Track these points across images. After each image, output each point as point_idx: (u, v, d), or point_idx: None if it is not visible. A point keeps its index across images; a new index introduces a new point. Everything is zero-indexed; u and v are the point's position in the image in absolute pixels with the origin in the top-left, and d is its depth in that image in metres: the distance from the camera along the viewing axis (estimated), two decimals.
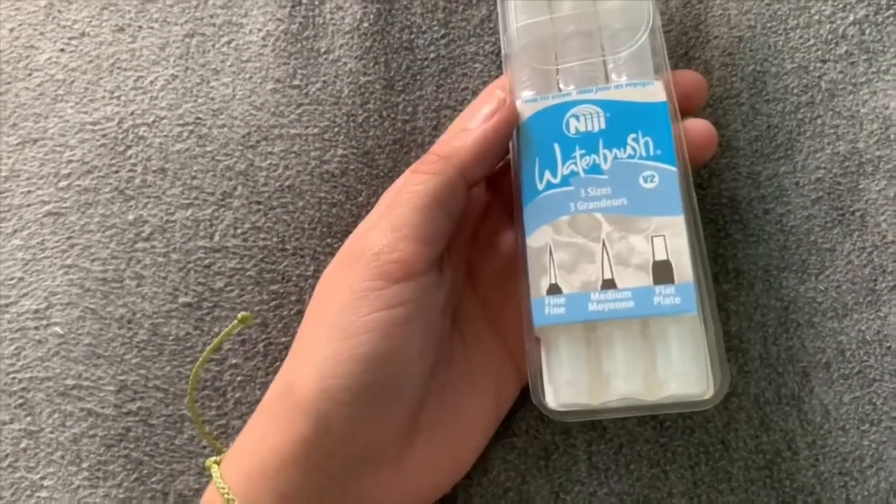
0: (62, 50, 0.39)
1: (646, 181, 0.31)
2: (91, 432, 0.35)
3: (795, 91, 0.37)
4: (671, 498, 0.34)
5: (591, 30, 0.33)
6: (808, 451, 0.34)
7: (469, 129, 0.32)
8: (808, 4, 0.38)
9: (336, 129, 0.38)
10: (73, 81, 0.39)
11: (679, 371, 0.30)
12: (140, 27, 0.39)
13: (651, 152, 0.31)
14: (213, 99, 0.38)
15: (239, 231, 0.37)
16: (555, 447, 0.35)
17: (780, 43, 0.38)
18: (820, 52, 0.38)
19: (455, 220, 0.32)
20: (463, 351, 0.33)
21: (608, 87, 0.32)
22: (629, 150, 0.31)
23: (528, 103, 0.33)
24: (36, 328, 0.36)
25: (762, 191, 0.36)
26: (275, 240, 0.37)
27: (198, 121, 0.38)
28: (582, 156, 0.31)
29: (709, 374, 0.30)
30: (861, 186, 0.36)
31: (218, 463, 0.32)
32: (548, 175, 0.32)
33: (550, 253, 0.31)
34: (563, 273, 0.31)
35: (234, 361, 0.36)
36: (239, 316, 0.32)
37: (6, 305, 0.37)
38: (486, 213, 0.36)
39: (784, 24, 0.38)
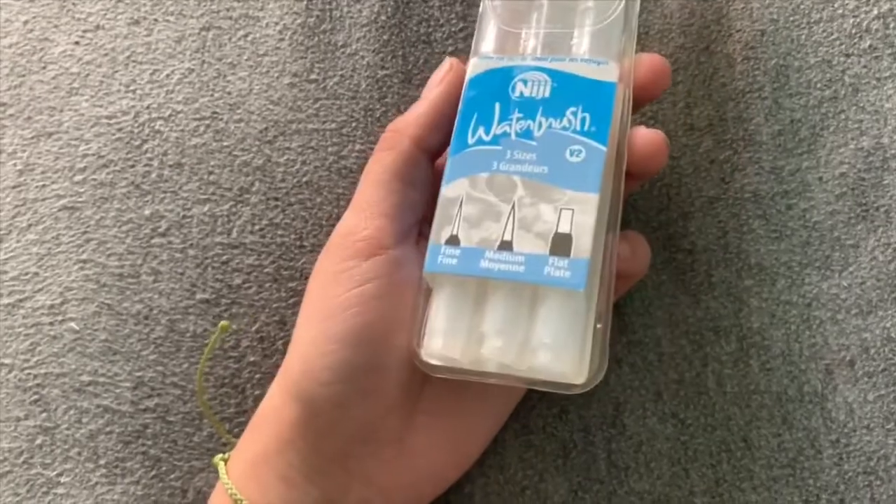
0: (77, 43, 0.39)
1: (572, 154, 0.31)
2: (108, 429, 0.35)
3: (819, 85, 0.37)
4: (692, 497, 0.34)
5: (567, 1, 0.33)
6: (832, 450, 0.33)
7: (421, 98, 0.33)
8: None
9: (354, 124, 0.38)
10: (88, 75, 0.38)
11: (552, 344, 0.29)
12: (156, 20, 0.39)
13: (585, 128, 0.31)
14: (229, 93, 0.38)
15: (256, 227, 0.37)
16: (573, 445, 0.35)
17: (804, 37, 0.37)
18: (844, 47, 0.37)
19: (422, 190, 0.33)
20: None
21: (563, 59, 0.32)
22: (565, 122, 0.31)
23: (482, 60, 0.33)
24: (51, 324, 0.36)
25: (785, 186, 0.36)
26: (293, 236, 0.37)
27: (214, 115, 0.38)
28: (518, 119, 0.31)
29: (584, 358, 0.29)
30: (886, 182, 0.36)
31: (225, 460, 0.32)
32: (481, 131, 0.32)
33: (461, 205, 0.31)
34: (466, 226, 0.30)
35: (252, 359, 0.36)
36: (219, 325, 0.32)
37: (21, 300, 0.36)
38: None
39: (807, 17, 0.37)
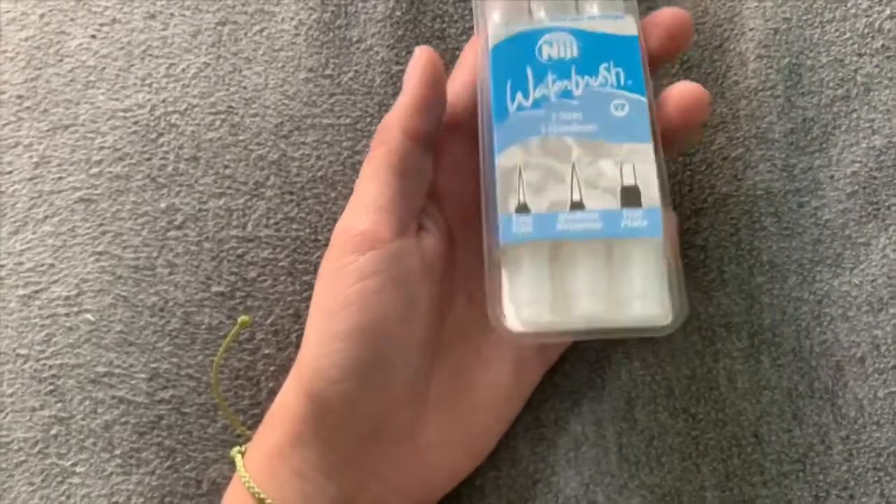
0: (93, 36, 0.39)
1: (616, 109, 0.31)
2: (123, 420, 0.36)
3: (831, 84, 0.37)
4: (703, 491, 0.34)
5: None
6: (842, 446, 0.34)
7: (401, 93, 0.33)
8: None
9: (368, 119, 0.38)
10: (104, 68, 0.39)
11: (640, 293, 0.30)
12: (172, 14, 0.39)
13: (622, 82, 0.32)
14: (245, 88, 0.38)
15: (272, 221, 0.37)
16: (585, 438, 0.35)
17: (816, 36, 0.38)
18: (856, 46, 0.37)
19: (418, 181, 0.33)
20: (477, 327, 0.33)
21: (580, 18, 0.33)
22: (601, 79, 0.32)
23: (501, 27, 0.33)
24: (67, 315, 0.36)
25: (797, 184, 0.36)
26: (307, 230, 0.37)
27: (230, 109, 0.38)
28: (554, 81, 0.32)
29: (668, 300, 0.30)
30: None
31: (242, 453, 0.33)
32: (519, 97, 0.32)
33: (520, 173, 0.31)
34: (532, 193, 0.31)
35: (267, 351, 0.36)
36: (239, 320, 0.33)
37: (37, 292, 0.37)
38: None
39: (820, 17, 0.38)
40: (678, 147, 0.36)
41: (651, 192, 0.30)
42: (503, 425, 0.34)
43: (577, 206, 0.30)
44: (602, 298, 0.30)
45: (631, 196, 0.30)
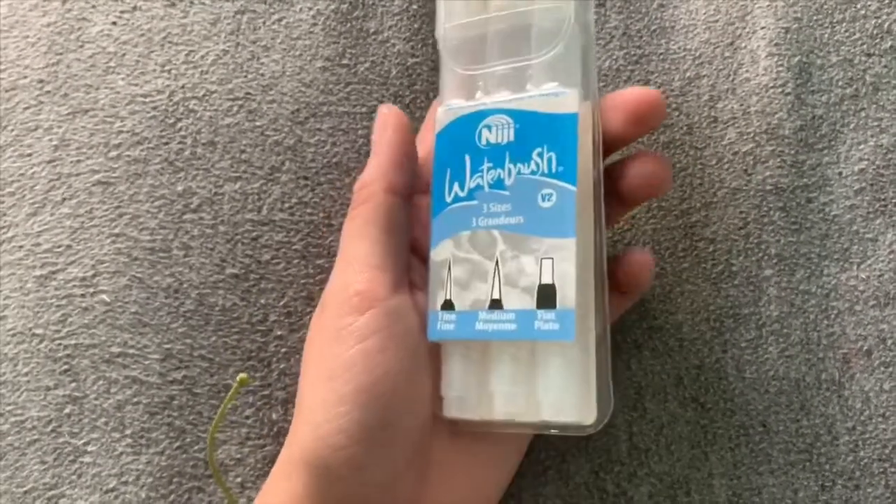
0: (114, 23, 0.40)
1: (543, 200, 0.29)
2: (135, 399, 0.36)
3: (840, 83, 0.38)
4: (711, 479, 0.34)
5: (519, 32, 0.32)
6: (848, 437, 0.34)
7: (373, 151, 0.33)
8: None
9: None
10: (124, 54, 0.39)
11: (554, 398, 0.29)
12: (192, 3, 0.40)
13: (553, 169, 0.29)
14: (262, 75, 0.39)
15: (286, 205, 0.37)
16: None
17: (826, 36, 0.38)
18: (865, 46, 0.38)
19: (403, 236, 0.32)
20: None
21: (522, 96, 0.31)
22: (532, 166, 0.30)
23: (446, 111, 0.32)
24: (82, 296, 0.37)
25: (805, 180, 0.37)
26: (321, 215, 0.37)
27: (248, 96, 0.38)
28: (489, 169, 0.31)
29: (590, 399, 0.29)
30: None
31: None
32: (456, 187, 0.31)
33: (449, 268, 0.31)
34: (458, 289, 0.30)
35: (279, 333, 0.36)
36: (238, 378, 0.31)
37: (53, 273, 0.37)
38: None
39: (830, 17, 0.38)
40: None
41: (568, 291, 0.28)
42: (508, 476, 0.33)
43: (496, 304, 0.30)
44: (521, 399, 0.30)
45: (546, 296, 0.29)
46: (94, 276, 0.37)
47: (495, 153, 0.31)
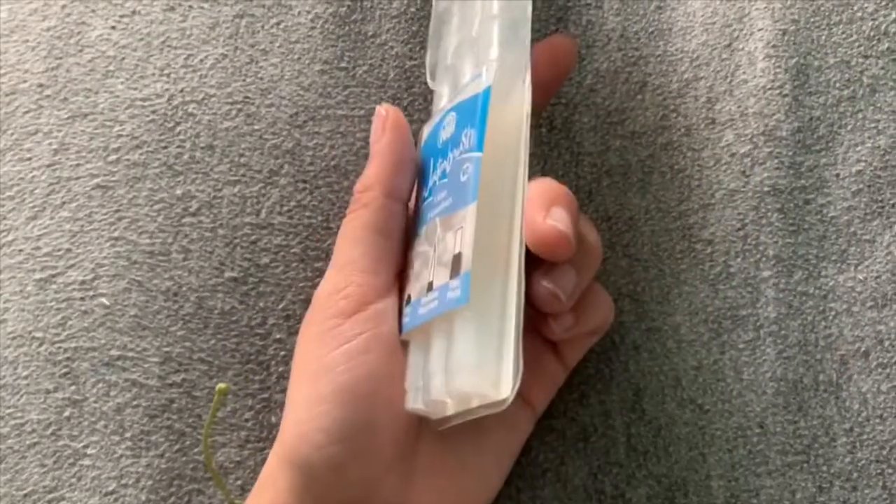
0: (113, 27, 0.40)
1: (463, 174, 0.30)
2: (134, 402, 0.36)
3: (837, 85, 0.38)
4: (709, 480, 0.34)
5: (470, 40, 0.33)
6: (846, 438, 0.34)
7: (372, 154, 0.33)
8: (851, 1, 0.39)
9: None
10: (123, 58, 0.39)
11: (460, 370, 0.28)
12: (190, 7, 0.40)
13: (471, 143, 0.30)
14: (261, 78, 0.39)
15: (285, 209, 0.37)
16: (593, 429, 0.35)
17: (824, 38, 0.38)
18: (862, 48, 0.38)
19: (400, 240, 0.32)
20: None
21: (459, 90, 0.32)
22: (461, 147, 0.30)
23: (425, 127, 0.34)
24: (82, 299, 0.37)
25: (803, 181, 0.37)
26: (319, 218, 0.37)
27: (246, 100, 0.39)
28: (440, 164, 0.31)
29: (502, 371, 0.27)
30: None
31: None
32: (423, 191, 0.32)
33: (412, 265, 0.32)
34: (414, 282, 0.31)
35: (278, 336, 0.36)
36: (217, 388, 0.32)
37: (53, 276, 0.37)
38: None
39: (827, 19, 0.38)
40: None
41: (466, 255, 0.28)
42: (499, 481, 0.33)
43: (430, 287, 0.29)
44: (438, 377, 0.29)
45: (456, 265, 0.28)
46: (93, 279, 0.37)
47: (445, 148, 0.32)
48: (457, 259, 0.28)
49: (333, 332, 0.30)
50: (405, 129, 0.33)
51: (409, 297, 0.31)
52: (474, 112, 0.30)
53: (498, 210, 0.29)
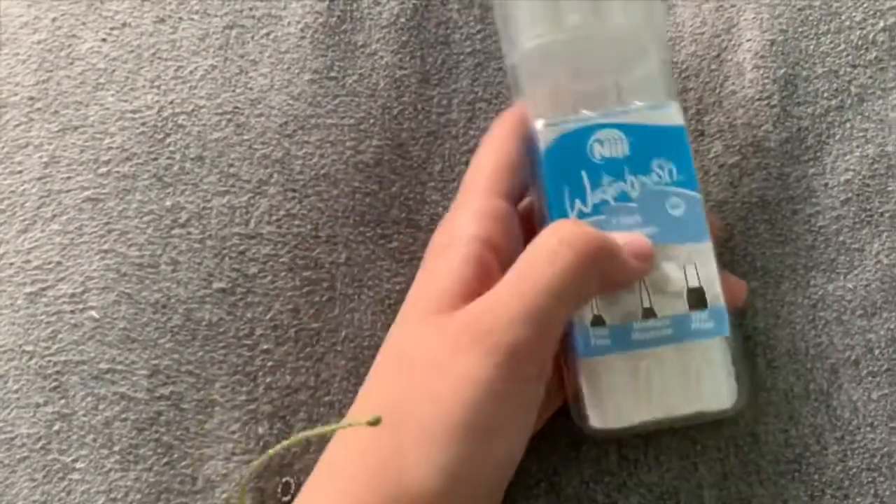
0: (104, 40, 0.40)
1: (672, 208, 0.31)
2: (123, 416, 0.36)
3: (826, 95, 0.38)
4: (700, 490, 0.34)
5: (602, 48, 0.33)
6: (837, 447, 0.34)
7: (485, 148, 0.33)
8: (839, 11, 0.39)
9: (371, 121, 0.38)
10: (114, 70, 0.39)
11: (708, 389, 0.31)
12: (180, 18, 0.40)
13: (674, 177, 0.31)
14: (251, 89, 0.39)
15: (274, 218, 0.37)
16: (585, 439, 0.35)
17: (812, 47, 0.38)
18: (850, 58, 0.38)
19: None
20: None
21: (627, 111, 0.32)
22: (654, 177, 0.31)
23: (549, 127, 0.32)
24: (72, 312, 0.37)
25: (791, 191, 0.37)
26: (308, 227, 0.37)
27: (236, 110, 0.39)
28: (610, 183, 0.31)
29: (734, 385, 0.31)
30: (890, 189, 0.37)
31: None
32: (578, 205, 0.31)
33: None
34: (605, 304, 0.31)
35: (265, 347, 0.36)
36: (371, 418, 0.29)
37: (43, 289, 0.37)
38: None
39: (815, 29, 0.39)
40: None
41: (714, 291, 0.31)
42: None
43: (649, 313, 0.31)
44: (675, 397, 0.31)
45: (697, 298, 0.31)
46: (83, 292, 0.37)
47: (612, 167, 0.31)
48: (697, 293, 0.31)
49: (516, 398, 0.29)
50: (525, 127, 0.33)
51: (600, 318, 0.31)
52: (671, 147, 0.32)
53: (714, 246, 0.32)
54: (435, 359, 0.29)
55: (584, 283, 0.29)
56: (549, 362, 0.30)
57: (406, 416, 0.29)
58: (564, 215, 0.31)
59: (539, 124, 0.32)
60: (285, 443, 0.28)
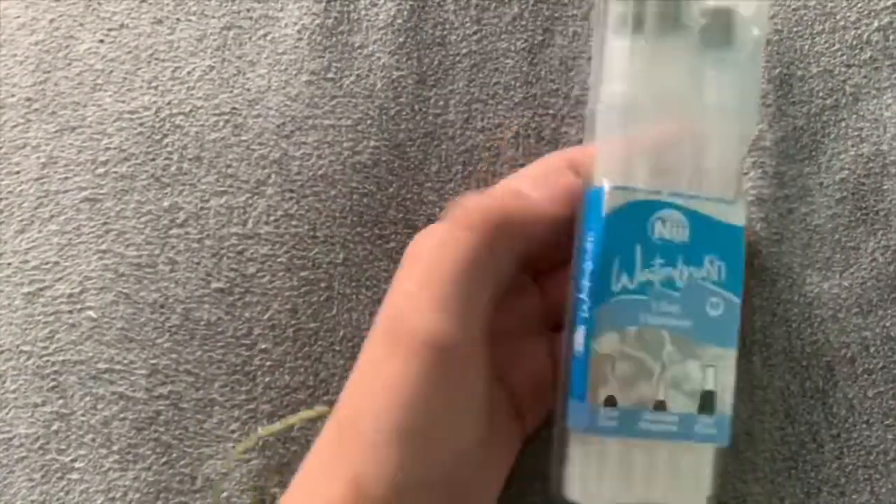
0: (101, 41, 0.40)
1: (711, 307, 0.31)
2: (122, 415, 0.36)
3: (821, 94, 0.38)
4: None
5: (692, 121, 0.32)
6: (833, 444, 0.34)
7: (532, 197, 0.31)
8: (834, 10, 0.39)
9: (369, 122, 0.39)
10: (111, 71, 0.40)
11: (689, 486, 0.31)
12: (178, 19, 0.40)
13: (721, 278, 0.31)
14: (248, 90, 0.39)
15: (272, 218, 0.38)
16: None
17: (806, 47, 0.38)
18: (845, 57, 0.38)
19: (496, 291, 0.30)
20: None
21: (698, 196, 0.31)
22: (704, 272, 0.31)
23: (619, 191, 0.30)
24: (70, 312, 0.37)
25: (787, 190, 0.37)
26: (306, 227, 0.38)
27: (233, 111, 0.39)
28: (661, 266, 0.31)
29: (708, 485, 0.31)
30: (885, 187, 0.37)
31: None
32: (625, 278, 0.30)
33: (613, 363, 0.30)
34: (622, 386, 0.30)
35: (263, 346, 0.36)
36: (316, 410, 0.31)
37: (41, 289, 0.37)
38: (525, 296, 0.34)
39: (810, 29, 0.39)
40: None
41: (727, 398, 0.31)
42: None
43: (660, 405, 0.30)
44: (657, 485, 0.31)
45: (707, 401, 0.31)
46: (81, 292, 0.37)
47: (668, 250, 0.31)
48: (709, 396, 0.30)
49: (442, 394, 0.28)
50: (576, 213, 0.31)
51: (613, 398, 0.30)
52: (727, 247, 0.31)
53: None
54: (373, 358, 0.30)
55: (492, 261, 0.29)
56: (481, 351, 0.29)
57: (354, 417, 0.29)
58: (608, 284, 0.30)
59: (607, 185, 0.30)
60: (248, 442, 0.29)
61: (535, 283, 0.34)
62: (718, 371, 0.31)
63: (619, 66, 0.31)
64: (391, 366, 0.28)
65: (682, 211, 0.31)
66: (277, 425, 0.30)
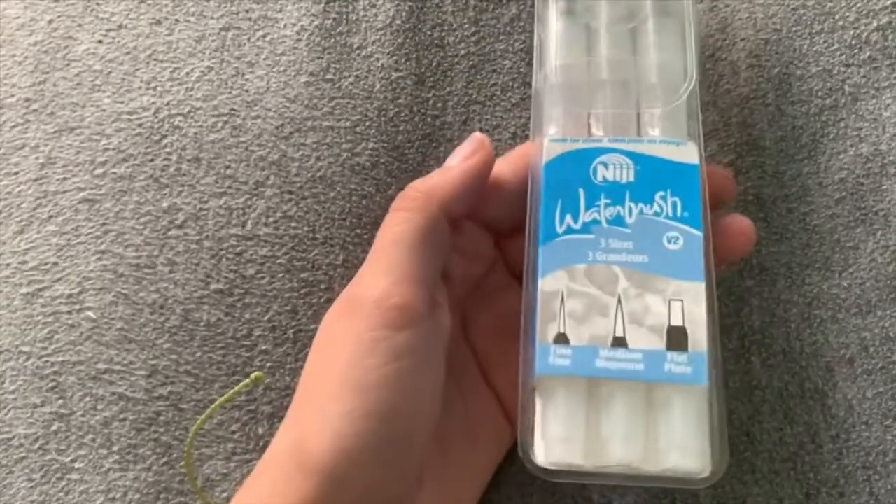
0: (100, 41, 0.40)
1: (669, 242, 0.30)
2: (122, 416, 0.36)
3: (820, 94, 0.38)
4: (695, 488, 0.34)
5: (628, 80, 0.33)
6: (832, 445, 0.34)
7: (449, 166, 0.32)
8: (833, 10, 0.39)
9: (367, 123, 0.39)
10: (110, 72, 0.40)
11: (680, 443, 0.29)
12: (177, 20, 0.40)
13: (678, 213, 0.30)
14: (247, 91, 0.39)
15: (271, 220, 0.38)
16: None
17: (806, 47, 0.38)
18: (844, 57, 0.38)
19: (442, 258, 0.32)
20: (461, 401, 0.33)
21: (641, 140, 0.32)
22: (655, 208, 0.31)
23: (555, 142, 0.32)
24: (69, 313, 0.37)
25: (786, 190, 0.37)
26: (305, 229, 0.38)
27: (232, 112, 0.39)
28: (606, 205, 0.31)
29: (708, 451, 0.29)
30: (884, 187, 0.37)
31: None
32: (569, 219, 0.31)
33: (562, 300, 0.30)
34: (573, 323, 0.29)
35: (264, 348, 0.36)
36: (252, 376, 0.32)
37: (40, 290, 0.37)
38: (491, 270, 0.35)
39: (809, 28, 0.39)
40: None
41: (699, 335, 0.29)
42: (487, 480, 0.33)
43: (620, 342, 0.29)
44: (639, 446, 0.29)
45: (677, 337, 0.29)
46: (80, 292, 0.37)
47: (613, 190, 0.31)
48: (678, 332, 0.29)
49: (384, 344, 0.29)
50: (491, 165, 0.33)
51: (564, 336, 0.30)
52: (681, 184, 0.31)
53: (709, 290, 0.30)
54: (328, 329, 0.31)
55: (427, 229, 0.31)
56: (424, 309, 0.30)
57: (307, 386, 0.30)
58: (552, 227, 0.31)
59: (546, 140, 0.32)
60: (204, 416, 0.32)
61: (493, 247, 0.35)
62: (686, 305, 0.29)
63: (556, 48, 0.34)
64: (341, 328, 0.30)
65: (625, 154, 0.31)
66: (220, 399, 0.32)
